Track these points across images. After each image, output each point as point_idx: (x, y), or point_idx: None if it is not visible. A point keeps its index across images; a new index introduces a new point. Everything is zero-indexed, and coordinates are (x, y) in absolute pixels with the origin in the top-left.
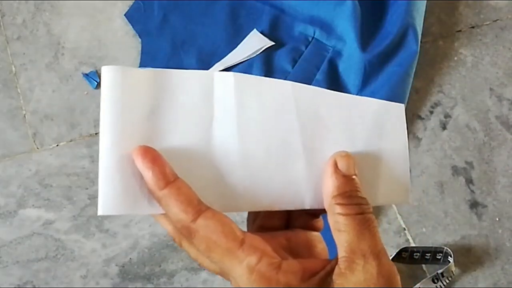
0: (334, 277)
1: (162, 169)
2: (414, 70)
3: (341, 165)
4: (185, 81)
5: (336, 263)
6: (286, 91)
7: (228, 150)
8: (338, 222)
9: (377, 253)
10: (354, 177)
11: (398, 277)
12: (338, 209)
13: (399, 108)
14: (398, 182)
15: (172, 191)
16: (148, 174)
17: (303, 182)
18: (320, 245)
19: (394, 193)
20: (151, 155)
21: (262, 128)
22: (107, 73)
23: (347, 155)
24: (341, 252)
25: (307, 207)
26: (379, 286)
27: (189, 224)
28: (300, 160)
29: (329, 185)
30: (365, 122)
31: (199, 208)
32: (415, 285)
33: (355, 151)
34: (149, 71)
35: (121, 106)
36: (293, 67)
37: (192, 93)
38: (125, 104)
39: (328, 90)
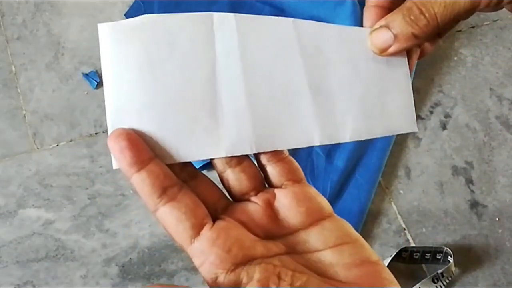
0: None
1: (130, 157)
2: (414, 70)
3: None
4: (184, 25)
5: None
6: (287, 28)
7: (233, 93)
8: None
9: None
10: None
11: None
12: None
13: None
14: (403, 111)
15: (137, 181)
16: (119, 163)
17: (311, 119)
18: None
19: (401, 122)
20: (123, 141)
21: (267, 68)
22: (102, 30)
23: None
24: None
25: (317, 143)
26: None
27: (156, 211)
28: (306, 96)
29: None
30: (367, 53)
31: (158, 201)
32: (415, 285)
33: (359, 82)
34: (144, 19)
35: (120, 62)
36: None
37: (192, 37)
38: (124, 59)
39: (330, 24)
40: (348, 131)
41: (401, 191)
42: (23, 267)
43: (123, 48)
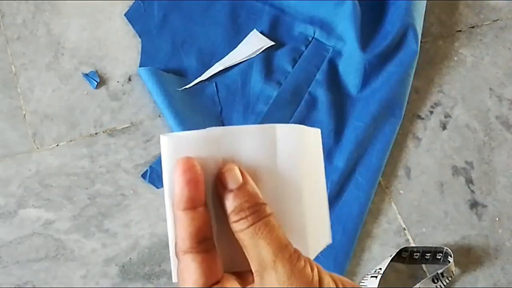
0: None
1: (191, 193)
2: (414, 70)
3: (227, 182)
4: (248, 137)
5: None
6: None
7: (291, 202)
8: (240, 240)
9: (274, 259)
10: (239, 188)
11: (305, 272)
12: (234, 227)
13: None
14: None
15: (186, 217)
16: (177, 191)
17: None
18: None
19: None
20: (189, 175)
21: (316, 177)
22: (165, 142)
23: (227, 168)
24: (253, 268)
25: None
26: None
27: (179, 252)
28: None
29: (224, 205)
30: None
31: (196, 246)
32: (415, 285)
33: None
34: (209, 132)
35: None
36: (293, 67)
37: (255, 148)
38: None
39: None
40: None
41: (401, 191)
42: (23, 267)
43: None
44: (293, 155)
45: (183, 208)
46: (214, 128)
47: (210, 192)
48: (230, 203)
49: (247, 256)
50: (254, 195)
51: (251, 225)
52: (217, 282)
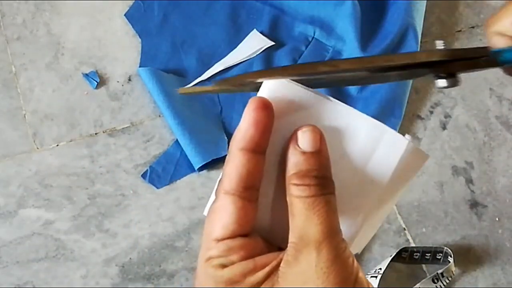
0: (282, 264)
1: (257, 134)
2: None
3: (301, 141)
4: (352, 122)
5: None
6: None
7: (357, 203)
8: (291, 204)
9: (321, 241)
10: (315, 154)
11: (348, 264)
12: (292, 189)
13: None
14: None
15: (242, 158)
16: (243, 126)
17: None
18: None
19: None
20: (260, 116)
21: (391, 198)
22: (266, 84)
23: (309, 129)
24: (291, 238)
25: None
26: (316, 279)
27: (220, 190)
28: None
29: (288, 163)
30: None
31: (241, 190)
32: (415, 285)
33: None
34: (315, 96)
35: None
36: None
37: (357, 137)
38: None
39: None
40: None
41: None
42: (23, 267)
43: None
44: (390, 165)
45: (241, 147)
46: (323, 95)
47: (276, 149)
48: (298, 164)
49: (290, 223)
50: (325, 167)
51: (312, 196)
52: (245, 236)
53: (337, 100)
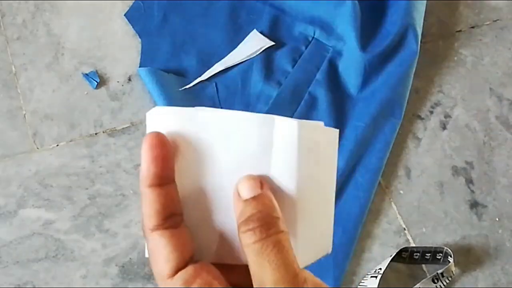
0: None
1: (158, 170)
2: (414, 70)
3: (241, 191)
4: (242, 124)
5: None
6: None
7: (282, 203)
8: (245, 254)
9: (276, 283)
10: (254, 198)
11: None
12: (241, 239)
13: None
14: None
15: (151, 194)
16: (143, 167)
17: None
18: None
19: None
20: (158, 151)
21: (321, 182)
22: (150, 116)
23: (247, 177)
24: (254, 284)
25: None
26: None
27: (147, 231)
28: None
29: (235, 215)
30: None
31: (162, 222)
32: (415, 285)
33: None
34: (199, 111)
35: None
36: (293, 67)
37: (248, 137)
38: (176, 147)
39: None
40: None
41: (401, 191)
42: (23, 267)
43: (170, 136)
44: (291, 152)
45: (148, 185)
46: (205, 108)
47: (186, 169)
48: (242, 212)
49: (250, 270)
50: (268, 207)
51: (259, 240)
52: (191, 258)
53: (222, 109)
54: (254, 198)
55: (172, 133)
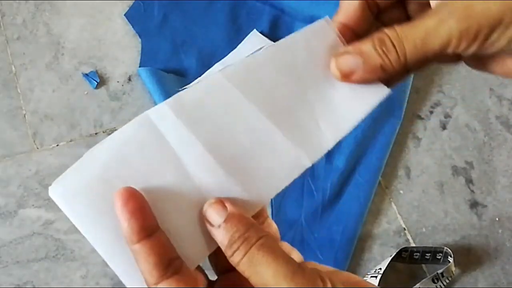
0: None
1: (140, 222)
2: None
3: (211, 219)
4: (128, 137)
5: None
6: (221, 83)
7: (208, 171)
8: (242, 274)
9: (277, 282)
10: (225, 221)
11: (315, 277)
12: (232, 261)
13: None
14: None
15: (143, 249)
16: (124, 226)
17: (289, 147)
18: None
19: (370, 92)
20: (132, 205)
21: (224, 132)
22: (53, 190)
23: (208, 204)
24: None
25: (309, 165)
26: None
27: (151, 287)
28: (272, 131)
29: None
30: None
31: (164, 273)
32: (415, 285)
33: (310, 88)
34: (88, 156)
35: (89, 211)
36: None
37: (142, 144)
38: (90, 211)
39: (254, 54)
40: (328, 135)
41: (401, 191)
42: (23, 267)
43: (81, 200)
44: (182, 131)
45: (137, 241)
46: (92, 154)
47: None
48: (222, 239)
49: (253, 285)
50: (241, 222)
51: (245, 254)
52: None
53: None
54: (225, 221)
55: (80, 197)
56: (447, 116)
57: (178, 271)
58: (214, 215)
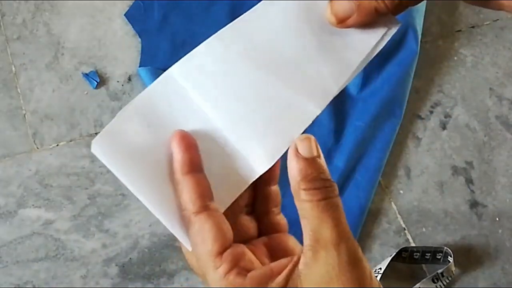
0: (300, 267)
1: (192, 156)
2: (414, 70)
3: (302, 149)
4: (156, 96)
5: (302, 252)
6: (216, 46)
7: (228, 128)
8: (303, 209)
9: (338, 242)
10: (316, 159)
11: (363, 264)
12: (302, 194)
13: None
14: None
15: (191, 180)
16: (178, 157)
17: (297, 97)
18: (296, 246)
19: (380, 25)
20: (187, 142)
21: (231, 93)
22: (96, 145)
23: (307, 137)
24: (306, 240)
25: (318, 112)
26: (340, 277)
27: (191, 215)
28: (278, 84)
29: (293, 170)
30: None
31: (206, 204)
32: (415, 285)
33: (314, 40)
34: (124, 113)
35: (128, 163)
36: None
37: (169, 102)
38: (129, 158)
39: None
40: (332, 81)
41: (401, 191)
42: (23, 267)
43: (122, 151)
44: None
45: (186, 172)
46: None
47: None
48: (303, 170)
49: (303, 227)
50: (327, 171)
51: (323, 199)
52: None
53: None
54: (314, 158)
55: (121, 148)
56: (447, 116)
57: (216, 211)
58: (307, 147)
